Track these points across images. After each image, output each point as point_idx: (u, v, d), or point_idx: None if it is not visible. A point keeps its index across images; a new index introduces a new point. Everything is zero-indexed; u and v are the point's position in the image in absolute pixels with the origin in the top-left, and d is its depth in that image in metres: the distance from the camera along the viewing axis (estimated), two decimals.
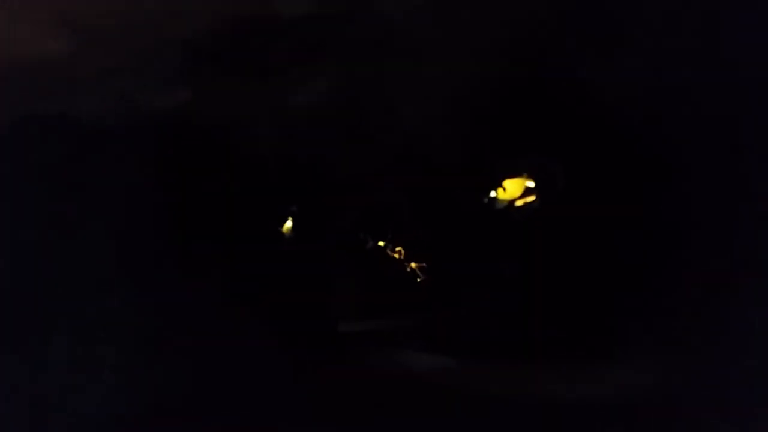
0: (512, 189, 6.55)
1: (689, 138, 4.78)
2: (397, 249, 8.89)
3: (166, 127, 3.87)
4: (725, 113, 4.46)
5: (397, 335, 7.85)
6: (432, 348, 6.96)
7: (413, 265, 9.41)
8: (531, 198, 6.58)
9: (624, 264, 5.87)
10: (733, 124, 4.51)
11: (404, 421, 4.68)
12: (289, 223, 6.56)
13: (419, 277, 8.90)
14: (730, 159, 4.47)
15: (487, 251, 6.90)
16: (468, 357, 6.62)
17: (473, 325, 6.97)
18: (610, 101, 5.11)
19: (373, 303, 8.51)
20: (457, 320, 7.12)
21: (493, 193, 6.60)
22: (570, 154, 5.96)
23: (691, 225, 4.87)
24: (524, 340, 6.50)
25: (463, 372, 6.46)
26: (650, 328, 5.67)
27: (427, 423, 4.65)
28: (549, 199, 6.42)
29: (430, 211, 6.56)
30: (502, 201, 6.65)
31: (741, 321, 4.22)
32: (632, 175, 5.48)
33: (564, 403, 5.06)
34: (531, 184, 6.53)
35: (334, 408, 4.97)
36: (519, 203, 6.64)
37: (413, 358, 6.90)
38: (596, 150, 5.75)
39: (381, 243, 8.78)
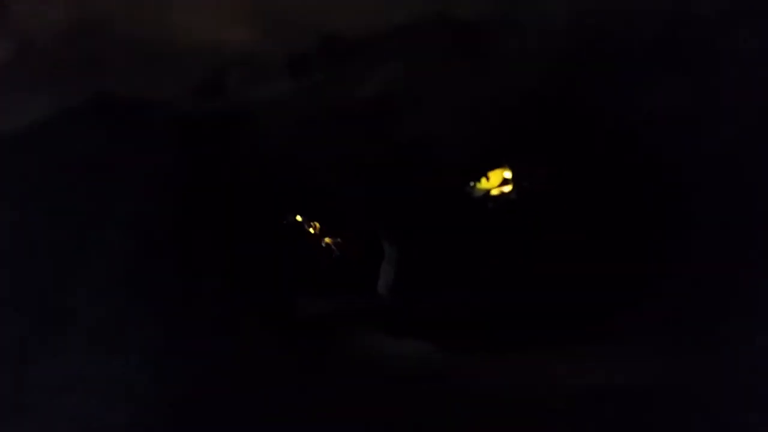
0: (493, 179, 6.79)
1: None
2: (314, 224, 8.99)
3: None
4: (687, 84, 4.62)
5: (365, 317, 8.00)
6: (402, 332, 7.11)
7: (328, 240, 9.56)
8: (509, 187, 6.83)
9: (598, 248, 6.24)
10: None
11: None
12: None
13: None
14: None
15: (467, 238, 7.09)
16: (436, 342, 6.76)
17: (443, 310, 7.19)
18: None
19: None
20: (429, 306, 7.30)
21: (474, 183, 6.81)
22: (551, 148, 6.17)
23: (679, 212, 5.13)
24: (496, 326, 6.81)
25: (435, 356, 6.54)
26: (623, 313, 6.06)
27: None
28: (528, 188, 6.68)
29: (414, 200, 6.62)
30: (482, 190, 6.87)
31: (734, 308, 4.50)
32: (614, 162, 5.70)
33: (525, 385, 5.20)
34: (509, 174, 6.77)
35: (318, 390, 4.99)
36: (497, 192, 6.88)
37: (385, 342, 6.97)
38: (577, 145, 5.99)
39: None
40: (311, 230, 9.67)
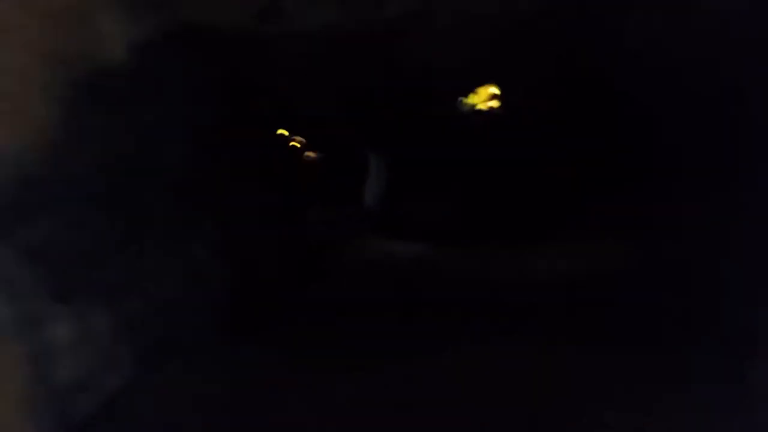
0: (481, 94, 7.25)
1: None
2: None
3: None
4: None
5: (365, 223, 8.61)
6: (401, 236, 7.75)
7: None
8: (496, 103, 7.30)
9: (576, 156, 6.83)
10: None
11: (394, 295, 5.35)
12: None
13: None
14: None
15: (453, 150, 7.62)
16: (433, 243, 7.42)
17: (435, 215, 7.81)
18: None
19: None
20: (422, 210, 7.90)
21: (463, 98, 7.26)
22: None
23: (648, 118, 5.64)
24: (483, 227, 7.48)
25: (434, 255, 7.16)
26: (592, 211, 6.75)
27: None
28: (514, 104, 7.16)
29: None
30: (471, 104, 7.33)
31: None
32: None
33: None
34: (496, 91, 7.22)
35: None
36: (484, 107, 7.35)
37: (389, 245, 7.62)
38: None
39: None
40: (297, 144, 10.03)
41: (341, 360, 3.52)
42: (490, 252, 6.83)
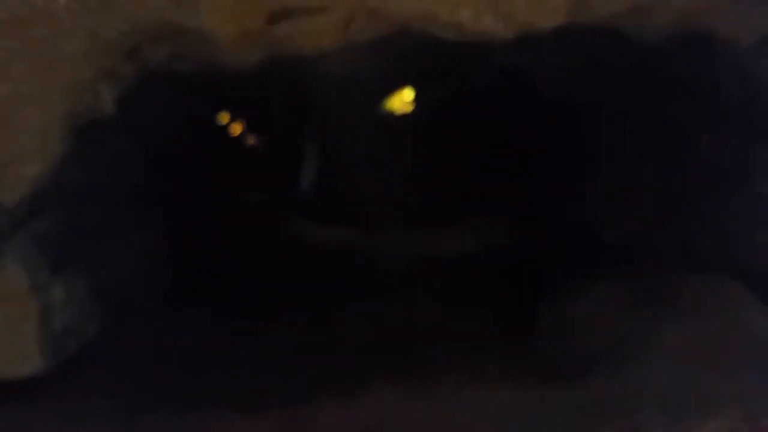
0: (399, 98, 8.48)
1: None
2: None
3: None
4: None
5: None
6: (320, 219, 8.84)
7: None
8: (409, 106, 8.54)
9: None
10: None
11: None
12: None
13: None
14: None
15: (377, 143, 8.78)
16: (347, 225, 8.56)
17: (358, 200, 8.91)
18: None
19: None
20: (344, 196, 9.01)
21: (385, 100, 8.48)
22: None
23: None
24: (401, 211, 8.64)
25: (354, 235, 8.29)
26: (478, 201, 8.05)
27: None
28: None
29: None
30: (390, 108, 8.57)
31: None
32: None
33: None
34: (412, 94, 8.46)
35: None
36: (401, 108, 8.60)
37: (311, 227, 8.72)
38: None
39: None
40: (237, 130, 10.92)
41: (271, 317, 4.69)
42: (403, 234, 8.07)
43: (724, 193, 4.30)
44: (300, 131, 10.14)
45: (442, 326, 4.55)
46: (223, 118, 9.37)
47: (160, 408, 3.23)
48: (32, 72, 2.92)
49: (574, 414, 3.14)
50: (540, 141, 7.12)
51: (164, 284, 4.93)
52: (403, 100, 8.64)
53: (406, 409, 3.28)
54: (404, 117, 8.86)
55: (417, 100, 8.57)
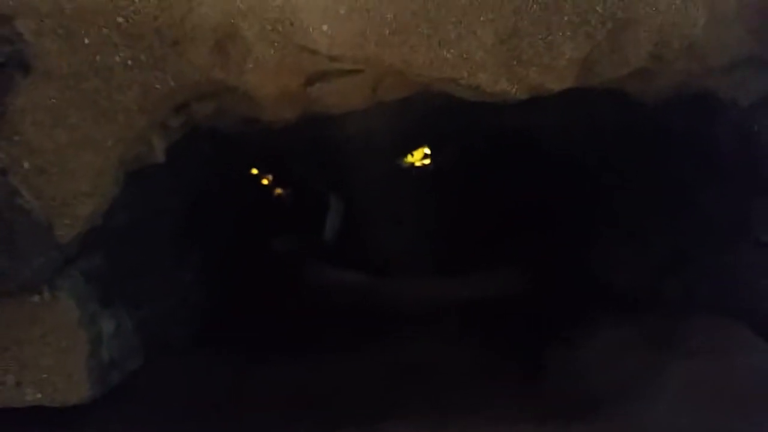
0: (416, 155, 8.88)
1: None
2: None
3: None
4: None
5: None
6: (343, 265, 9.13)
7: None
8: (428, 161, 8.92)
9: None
10: None
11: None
12: None
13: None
14: None
15: (396, 195, 9.11)
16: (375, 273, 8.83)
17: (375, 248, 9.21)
18: None
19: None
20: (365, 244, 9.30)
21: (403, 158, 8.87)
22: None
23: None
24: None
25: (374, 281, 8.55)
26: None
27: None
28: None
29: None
30: (408, 162, 8.95)
31: None
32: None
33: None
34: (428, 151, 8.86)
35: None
36: (419, 164, 8.97)
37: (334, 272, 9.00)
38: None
39: None
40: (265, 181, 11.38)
41: (295, 355, 4.95)
42: (420, 280, 8.33)
43: (727, 244, 4.55)
44: (325, 183, 10.53)
45: (456, 368, 4.78)
46: (255, 170, 9.82)
47: None
48: (89, 120, 3.28)
49: None
50: (552, 195, 7.46)
51: (198, 323, 5.23)
52: (420, 156, 9.08)
53: None
54: (421, 171, 9.24)
55: (433, 156, 9.00)
